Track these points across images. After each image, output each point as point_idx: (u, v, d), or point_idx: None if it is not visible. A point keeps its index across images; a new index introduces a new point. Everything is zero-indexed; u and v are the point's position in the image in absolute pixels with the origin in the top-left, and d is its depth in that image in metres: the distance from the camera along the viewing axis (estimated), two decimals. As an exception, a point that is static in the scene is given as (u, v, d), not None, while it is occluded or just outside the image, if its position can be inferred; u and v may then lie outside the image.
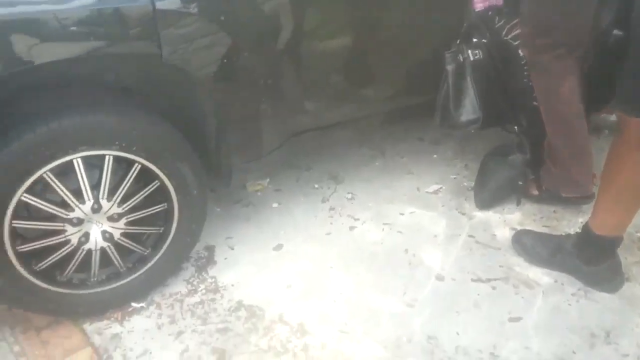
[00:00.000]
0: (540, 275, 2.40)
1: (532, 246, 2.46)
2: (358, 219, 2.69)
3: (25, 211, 1.90)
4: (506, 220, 2.70)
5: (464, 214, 2.74)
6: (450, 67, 2.48)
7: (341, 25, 2.29)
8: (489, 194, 2.77)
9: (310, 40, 2.22)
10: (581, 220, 2.64)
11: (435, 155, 3.15)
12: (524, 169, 2.73)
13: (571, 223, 2.66)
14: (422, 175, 3.00)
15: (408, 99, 2.76)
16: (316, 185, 2.90)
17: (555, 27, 2.26)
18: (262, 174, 2.90)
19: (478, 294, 2.31)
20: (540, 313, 2.24)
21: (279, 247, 2.52)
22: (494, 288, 2.35)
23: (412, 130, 3.29)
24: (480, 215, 2.74)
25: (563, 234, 2.53)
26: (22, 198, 1.83)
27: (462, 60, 2.46)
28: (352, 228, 2.64)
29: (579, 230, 2.39)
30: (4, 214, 1.82)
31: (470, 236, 2.61)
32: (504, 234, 2.62)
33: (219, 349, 2.06)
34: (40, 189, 1.87)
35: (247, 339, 2.10)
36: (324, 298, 2.28)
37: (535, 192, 2.76)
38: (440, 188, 2.90)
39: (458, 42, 2.48)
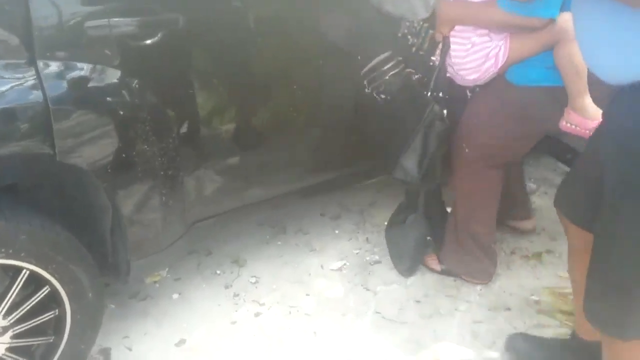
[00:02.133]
0: (449, 351, 2.42)
1: (526, 352, 2.30)
2: (264, 304, 2.63)
3: None
4: (409, 293, 2.72)
5: (368, 289, 2.74)
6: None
7: (237, 112, 2.28)
8: (409, 261, 2.79)
9: (206, 128, 2.19)
10: (480, 288, 2.71)
11: (337, 231, 3.15)
12: (424, 224, 2.77)
13: (470, 290, 2.72)
14: (326, 252, 2.99)
15: (312, 179, 2.77)
16: (218, 271, 2.82)
17: (502, 147, 2.38)
18: (160, 263, 2.77)
19: (389, 374, 2.29)
20: (450, 388, 2.25)
21: (181, 342, 2.41)
22: (404, 365, 2.34)
23: (313, 206, 3.29)
24: (384, 289, 2.75)
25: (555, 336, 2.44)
26: None
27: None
28: (257, 314, 2.57)
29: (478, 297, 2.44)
30: None
31: (377, 312, 2.60)
32: (410, 307, 2.63)
33: None
34: None
35: None
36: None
37: (437, 269, 2.80)
38: (344, 264, 2.90)
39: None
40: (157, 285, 2.71)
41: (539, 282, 2.77)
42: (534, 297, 2.69)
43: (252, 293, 2.69)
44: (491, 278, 2.72)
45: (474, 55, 2.38)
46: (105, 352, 2.32)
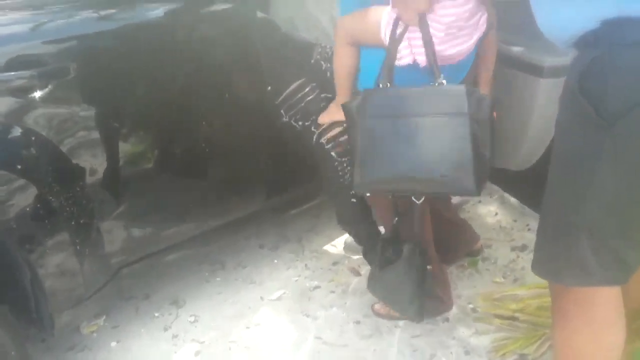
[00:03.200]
0: (388, 365, 2.45)
1: None
2: (203, 342, 2.62)
3: None
4: (349, 315, 2.74)
5: (308, 315, 2.75)
6: None
7: (148, 153, 2.28)
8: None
9: (117, 173, 2.19)
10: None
11: (276, 260, 3.17)
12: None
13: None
14: (265, 283, 2.99)
15: (240, 212, 2.79)
16: (156, 314, 2.80)
17: None
18: (97, 312, 2.75)
19: (330, 399, 2.30)
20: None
21: (120, 391, 2.38)
22: (345, 388, 2.35)
23: (251, 237, 3.30)
24: (324, 313, 2.76)
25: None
26: None
27: None
28: (197, 353, 2.56)
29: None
30: None
31: (318, 338, 2.62)
32: (349, 329, 2.65)
33: None
34: None
35: None
36: None
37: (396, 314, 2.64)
38: (284, 293, 2.91)
39: None
40: (95, 334, 2.67)
41: (475, 290, 2.82)
42: (471, 305, 2.74)
43: (191, 332, 2.68)
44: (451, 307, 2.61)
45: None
46: (42, 408, 2.27)
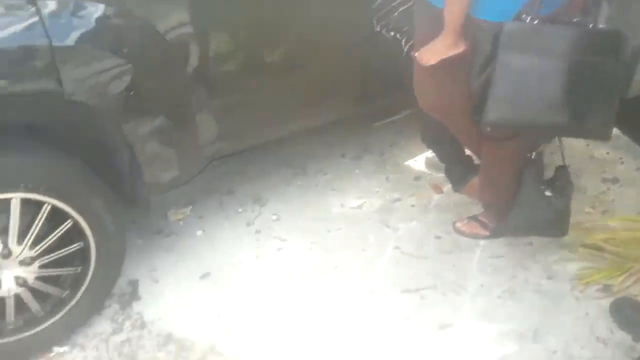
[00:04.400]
0: (467, 280, 2.45)
1: (634, 318, 2.25)
2: (285, 240, 2.67)
3: None
4: (429, 230, 2.74)
5: (388, 226, 2.76)
6: None
7: (251, 47, 2.27)
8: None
9: (218, 64, 2.18)
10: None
11: (357, 170, 3.16)
12: None
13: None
14: (346, 191, 3.01)
15: (330, 116, 2.77)
16: (240, 209, 2.85)
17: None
18: (183, 202, 2.84)
19: (408, 305, 2.33)
20: (469, 318, 2.28)
21: (205, 275, 2.46)
22: (423, 297, 2.37)
23: (333, 146, 3.30)
24: (404, 226, 2.77)
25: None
26: None
27: None
28: (279, 250, 2.62)
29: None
30: None
31: (397, 248, 2.63)
32: (429, 243, 2.66)
33: (149, 387, 1.98)
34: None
35: (178, 373, 2.03)
36: (256, 325, 2.23)
37: (485, 233, 2.66)
38: (364, 202, 2.92)
39: None
40: (181, 223, 2.76)
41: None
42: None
43: (273, 230, 2.73)
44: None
45: None
46: (134, 284, 2.39)
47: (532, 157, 2.41)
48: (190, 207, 2.84)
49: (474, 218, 2.68)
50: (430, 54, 2.14)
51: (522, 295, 2.39)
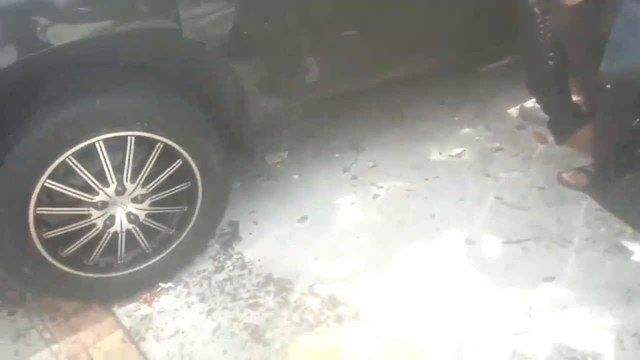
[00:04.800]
0: (572, 233, 2.35)
1: None
2: (382, 187, 2.65)
3: (49, 198, 1.86)
4: (532, 180, 2.64)
5: (489, 176, 2.68)
6: None
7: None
8: None
9: (327, 9, 2.15)
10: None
11: (456, 118, 3.08)
12: None
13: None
14: (444, 139, 2.94)
15: (434, 62, 2.70)
16: (337, 155, 2.85)
17: None
18: (280, 147, 2.86)
19: (510, 256, 2.27)
20: (574, 271, 2.20)
21: (303, 219, 2.49)
22: (525, 249, 2.30)
23: (430, 92, 3.22)
24: (505, 176, 2.68)
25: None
26: (46, 185, 1.80)
27: None
28: (376, 196, 2.60)
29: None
30: (28, 201, 1.79)
31: (498, 198, 2.56)
32: (532, 193, 2.56)
33: (251, 325, 2.04)
34: (64, 174, 1.84)
35: (278, 313, 2.08)
36: (353, 268, 2.24)
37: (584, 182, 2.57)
38: (464, 151, 2.85)
39: None
40: (279, 167, 2.78)
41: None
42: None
43: (370, 176, 2.71)
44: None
45: None
46: (234, 225, 2.44)
47: None
48: (287, 151, 2.86)
49: (581, 169, 2.56)
50: None
51: (630, 250, 2.28)
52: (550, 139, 2.80)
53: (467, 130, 2.99)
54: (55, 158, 1.79)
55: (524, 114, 3.06)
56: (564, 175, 2.59)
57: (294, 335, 1.96)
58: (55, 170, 1.80)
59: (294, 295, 2.14)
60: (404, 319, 2.03)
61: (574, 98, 2.68)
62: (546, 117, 2.73)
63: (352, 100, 2.98)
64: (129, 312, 2.10)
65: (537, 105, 2.80)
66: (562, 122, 2.69)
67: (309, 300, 2.12)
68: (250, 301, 2.13)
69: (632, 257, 2.24)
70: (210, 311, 2.10)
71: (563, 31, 2.41)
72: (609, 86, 2.26)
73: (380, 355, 1.73)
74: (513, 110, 3.12)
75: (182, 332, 2.03)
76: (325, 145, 2.92)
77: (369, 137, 2.96)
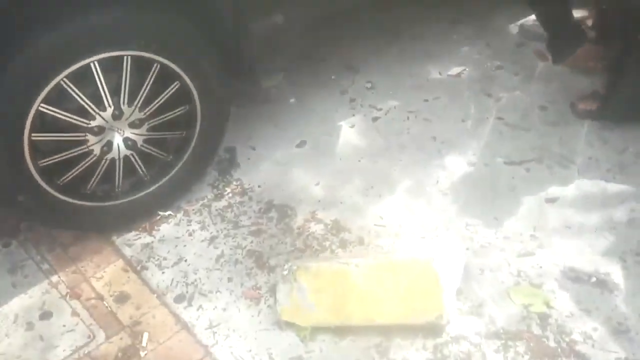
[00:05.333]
0: (574, 154, 2.32)
1: None
2: (381, 109, 2.58)
3: (43, 123, 1.78)
4: (534, 100, 2.59)
5: (490, 95, 2.63)
6: None
7: None
8: None
9: None
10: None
11: (455, 36, 2.98)
12: None
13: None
14: (443, 58, 2.85)
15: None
16: (333, 77, 2.76)
17: None
18: (275, 68, 2.74)
19: (513, 177, 2.25)
20: (577, 191, 2.19)
21: (302, 143, 2.43)
22: (528, 170, 2.28)
23: (427, 9, 3.10)
24: (507, 95, 2.62)
25: None
26: (40, 109, 1.71)
27: None
28: (375, 119, 2.54)
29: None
30: (23, 126, 1.71)
31: (499, 118, 2.51)
32: (534, 113, 2.51)
33: (255, 252, 2.01)
34: (58, 97, 1.75)
35: (282, 239, 2.05)
36: (355, 193, 2.21)
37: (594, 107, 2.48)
38: (464, 70, 2.77)
39: None
40: (275, 90, 2.68)
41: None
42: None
43: (368, 98, 2.64)
44: None
45: None
46: (231, 151, 2.38)
47: None
48: (282, 73, 2.74)
49: (595, 95, 2.49)
50: None
51: (634, 169, 2.26)
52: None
53: (465, 48, 2.90)
54: (50, 80, 1.69)
55: (524, 30, 2.96)
56: (581, 106, 2.50)
57: (298, 261, 1.94)
58: (49, 93, 1.71)
59: (296, 221, 2.11)
60: (408, 242, 2.02)
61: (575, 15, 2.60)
62: (545, 34, 2.65)
63: (345, 19, 2.87)
64: (129, 241, 2.07)
65: (537, 22, 2.71)
66: (561, 40, 2.62)
67: (312, 226, 2.09)
68: (253, 228, 2.10)
69: (634, 178, 2.22)
70: (212, 239, 2.06)
71: None
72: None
73: (388, 275, 1.71)
74: (513, 27, 3.02)
75: (185, 260, 2.00)
76: (320, 67, 2.82)
77: (364, 57, 2.86)
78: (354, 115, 2.56)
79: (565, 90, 2.62)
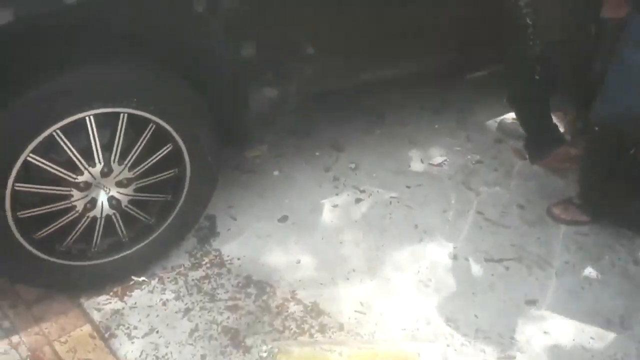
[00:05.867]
0: (552, 256, 2.35)
1: None
2: (364, 191, 2.58)
3: (28, 174, 1.70)
4: (513, 197, 2.63)
5: (471, 189, 2.66)
6: None
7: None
8: None
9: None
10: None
11: (436, 125, 3.04)
12: None
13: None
14: (425, 146, 2.89)
15: (412, 66, 2.64)
16: (317, 153, 2.76)
17: None
18: (259, 140, 2.73)
19: (492, 275, 2.25)
20: (555, 296, 2.20)
21: (284, 218, 2.39)
22: (507, 268, 2.29)
23: (411, 97, 3.16)
24: (487, 190, 2.66)
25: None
26: (29, 159, 1.64)
27: None
28: (358, 200, 2.53)
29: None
30: (8, 175, 1.63)
31: (479, 212, 2.53)
32: (513, 211, 2.55)
33: (231, 329, 1.93)
34: (47, 149, 1.68)
35: (260, 318, 1.98)
36: (336, 275, 2.17)
37: (586, 219, 2.52)
38: (445, 160, 2.81)
39: None
40: (258, 161, 2.66)
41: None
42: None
43: (352, 179, 2.64)
44: None
45: None
46: (211, 219, 2.32)
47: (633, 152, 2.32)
48: (267, 145, 2.74)
49: (569, 201, 2.55)
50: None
51: (609, 278, 2.30)
52: (529, 154, 2.80)
53: (447, 139, 2.95)
54: (42, 130, 1.63)
55: (503, 128, 3.05)
56: (555, 211, 2.54)
57: (276, 343, 1.87)
58: (40, 143, 1.64)
59: (275, 299, 2.05)
60: (388, 332, 1.98)
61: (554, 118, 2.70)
62: (523, 133, 2.73)
63: (331, 98, 2.89)
64: (98, 305, 1.96)
65: (516, 121, 2.80)
66: (538, 141, 2.70)
67: (291, 306, 2.03)
68: (230, 303, 2.02)
69: (610, 287, 2.26)
70: (187, 310, 1.98)
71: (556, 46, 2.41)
72: (596, 128, 2.27)
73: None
74: (492, 123, 3.10)
75: (157, 332, 1.90)
76: (305, 142, 2.82)
77: (348, 137, 2.88)
78: (337, 195, 2.55)
79: (542, 190, 2.67)
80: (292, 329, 1.95)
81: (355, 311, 2.04)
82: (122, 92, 1.72)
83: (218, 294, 2.04)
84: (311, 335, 1.93)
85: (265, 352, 1.73)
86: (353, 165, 2.71)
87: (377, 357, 1.70)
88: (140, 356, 1.81)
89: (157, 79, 1.81)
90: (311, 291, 2.09)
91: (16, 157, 1.63)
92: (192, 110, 1.90)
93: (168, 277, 2.08)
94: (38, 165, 1.68)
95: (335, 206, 2.48)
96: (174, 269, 2.11)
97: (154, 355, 1.82)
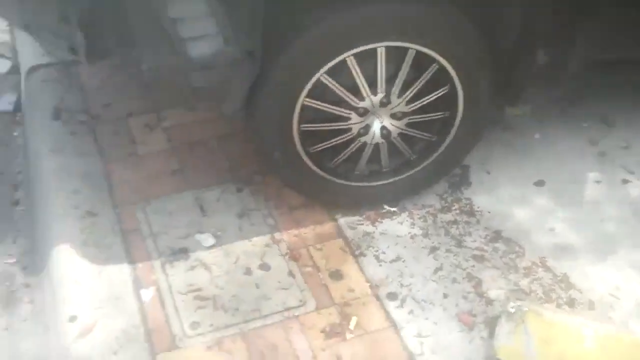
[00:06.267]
0: None
1: None
2: (633, 173, 2.36)
3: (316, 91, 1.80)
4: None
5: None
6: None
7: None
8: None
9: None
10: None
11: None
12: None
13: None
14: None
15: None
16: (585, 124, 2.57)
17: None
18: (524, 100, 2.61)
19: None
20: None
21: (540, 182, 2.28)
22: None
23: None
24: None
25: None
26: (321, 78, 1.75)
27: None
28: (625, 181, 2.32)
29: None
30: (302, 89, 1.76)
31: None
32: None
33: (475, 277, 1.91)
34: (338, 73, 1.78)
35: (505, 274, 1.93)
36: (593, 252, 2.03)
37: None
38: None
39: None
40: (519, 120, 2.55)
41: None
42: None
43: (621, 158, 2.42)
44: None
45: None
46: (465, 169, 2.29)
47: None
48: (530, 106, 2.61)
49: None
50: None
51: None
52: None
53: None
54: (338, 55, 1.72)
55: None
56: None
57: (524, 303, 1.80)
58: (332, 67, 1.74)
59: (523, 260, 1.98)
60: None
61: None
62: None
63: (604, 72, 2.66)
64: (352, 224, 2.05)
65: None
66: None
67: (539, 271, 1.95)
68: (476, 252, 1.99)
69: None
70: (433, 249, 1.99)
71: None
72: None
73: (629, 355, 1.54)
74: None
75: (403, 261, 1.94)
76: (570, 111, 2.63)
77: (622, 113, 2.63)
78: (601, 170, 2.36)
79: None
80: (538, 294, 1.88)
81: (610, 294, 1.90)
82: (417, 29, 1.75)
83: (465, 241, 2.03)
84: (559, 306, 1.85)
85: (512, 308, 1.69)
86: (624, 144, 2.49)
87: (635, 345, 1.57)
88: (386, 279, 1.88)
89: (452, 23, 1.80)
90: (563, 262, 1.98)
91: (310, 76, 1.74)
92: (477, 59, 1.87)
93: (418, 214, 2.11)
94: (327, 86, 1.78)
95: (598, 182, 2.31)
96: (424, 207, 2.13)
97: (398, 282, 1.87)
